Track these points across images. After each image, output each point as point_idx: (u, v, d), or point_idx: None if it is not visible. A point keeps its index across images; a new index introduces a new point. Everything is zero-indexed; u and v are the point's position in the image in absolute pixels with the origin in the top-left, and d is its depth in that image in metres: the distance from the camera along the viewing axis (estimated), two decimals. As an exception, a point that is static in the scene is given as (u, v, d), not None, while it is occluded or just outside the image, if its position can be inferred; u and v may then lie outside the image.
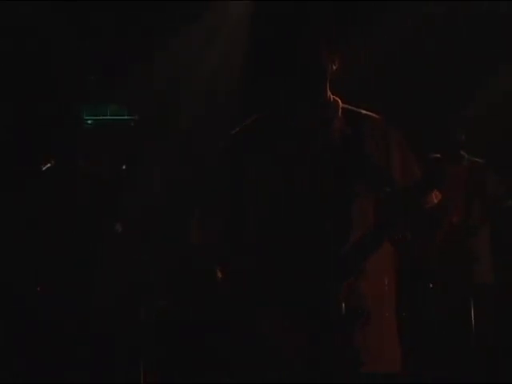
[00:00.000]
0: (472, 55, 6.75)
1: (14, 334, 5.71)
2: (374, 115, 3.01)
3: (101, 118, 6.35)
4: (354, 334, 2.74)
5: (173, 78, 6.71)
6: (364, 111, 3.02)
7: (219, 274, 2.97)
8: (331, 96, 3.00)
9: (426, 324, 5.60)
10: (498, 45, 6.74)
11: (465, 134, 5.68)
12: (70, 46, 6.73)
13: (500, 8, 6.76)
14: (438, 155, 2.84)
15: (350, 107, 3.02)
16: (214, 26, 6.83)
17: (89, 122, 6.32)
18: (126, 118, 6.40)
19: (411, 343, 4.77)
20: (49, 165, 5.72)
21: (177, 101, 6.73)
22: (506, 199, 5.54)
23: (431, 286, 5.54)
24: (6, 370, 5.54)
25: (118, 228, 5.73)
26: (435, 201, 2.90)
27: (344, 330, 2.72)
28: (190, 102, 6.76)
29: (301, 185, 2.86)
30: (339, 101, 3.01)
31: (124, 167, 5.97)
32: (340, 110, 2.99)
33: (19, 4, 6.64)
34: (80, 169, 6.05)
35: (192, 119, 6.68)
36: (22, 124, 6.35)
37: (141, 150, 6.33)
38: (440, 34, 6.80)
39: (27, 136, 6.29)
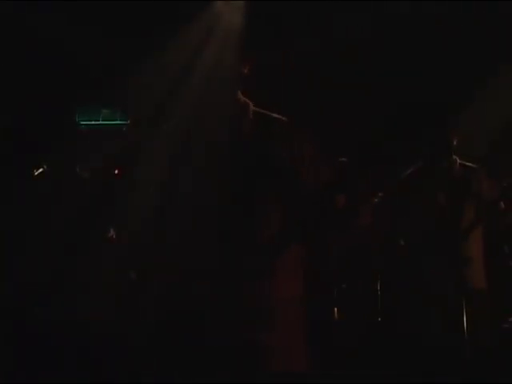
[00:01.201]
0: (466, 56, 6.75)
1: (12, 334, 5.75)
2: (283, 118, 3.03)
3: (94, 122, 6.39)
4: (263, 334, 2.76)
5: (169, 78, 6.71)
6: (274, 114, 3.04)
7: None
8: (242, 98, 3.02)
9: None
10: (491, 45, 6.74)
11: (457, 138, 5.69)
12: (69, 47, 6.75)
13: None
14: (344, 159, 2.86)
15: (260, 110, 3.04)
16: (209, 25, 6.82)
17: (82, 126, 6.36)
18: (118, 122, 6.43)
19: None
20: (41, 169, 5.75)
21: (172, 102, 6.72)
22: (499, 203, 5.54)
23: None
24: (6, 370, 5.58)
25: (111, 233, 5.76)
26: (342, 202, 2.91)
27: (253, 330, 2.73)
28: (186, 104, 6.75)
29: (210, 185, 2.88)
30: (250, 103, 3.03)
31: (116, 172, 5.99)
32: (251, 112, 3.01)
33: (18, 4, 6.67)
34: (75, 173, 6.08)
35: (187, 120, 6.67)
36: (17, 127, 6.38)
37: (136, 153, 6.33)
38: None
39: (21, 140, 6.31)
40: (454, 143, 5.68)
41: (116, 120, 6.53)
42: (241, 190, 2.89)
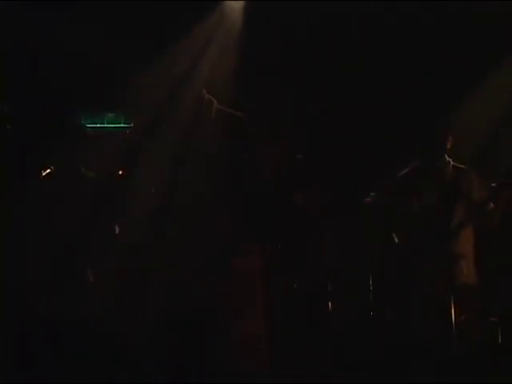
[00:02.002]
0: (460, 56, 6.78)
1: (12, 334, 5.76)
2: (244, 116, 3.04)
3: (98, 125, 6.44)
4: (222, 334, 2.78)
5: (170, 79, 6.72)
6: (238, 112, 3.05)
7: None
8: (206, 95, 3.04)
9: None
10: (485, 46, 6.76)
11: (450, 140, 5.74)
12: (69, 47, 6.77)
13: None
14: (301, 156, 2.88)
15: (222, 108, 3.06)
16: (211, 26, 6.84)
17: (87, 128, 6.40)
18: (122, 125, 6.48)
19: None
20: (48, 170, 5.79)
21: (173, 104, 6.74)
22: (489, 203, 5.59)
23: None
24: (6, 370, 5.58)
25: (116, 230, 5.79)
26: (300, 199, 2.93)
27: (212, 330, 2.75)
28: (185, 107, 6.77)
29: (178, 184, 2.90)
30: (214, 100, 3.05)
31: (121, 172, 6.01)
32: (214, 110, 3.04)
33: (19, 4, 6.68)
34: (80, 174, 6.10)
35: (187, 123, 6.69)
36: (23, 129, 6.40)
37: (138, 155, 6.35)
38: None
39: (28, 141, 6.33)
40: (449, 145, 5.74)
41: (120, 123, 6.59)
42: (203, 188, 2.91)
